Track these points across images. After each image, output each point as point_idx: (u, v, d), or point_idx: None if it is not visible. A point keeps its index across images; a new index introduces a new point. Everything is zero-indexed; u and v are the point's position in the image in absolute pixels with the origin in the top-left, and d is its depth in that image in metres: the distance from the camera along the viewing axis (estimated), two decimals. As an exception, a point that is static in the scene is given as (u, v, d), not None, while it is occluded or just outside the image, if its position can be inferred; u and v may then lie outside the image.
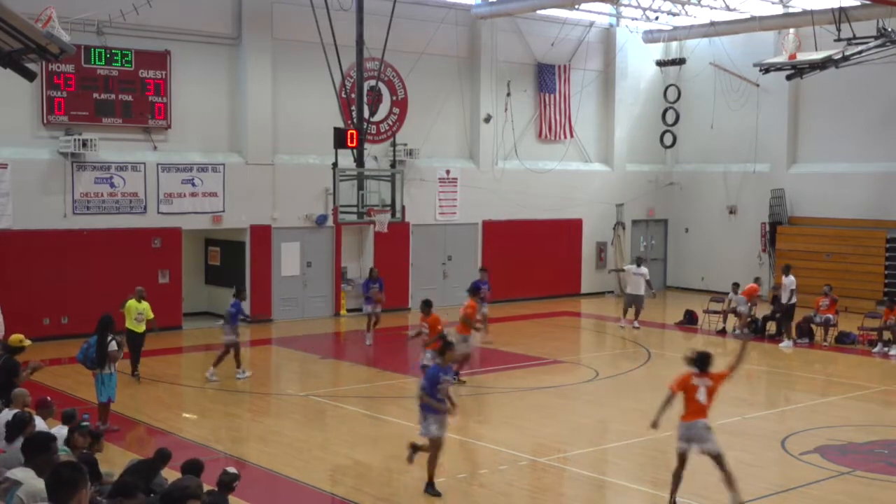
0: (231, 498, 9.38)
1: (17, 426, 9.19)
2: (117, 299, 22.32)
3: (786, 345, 22.91)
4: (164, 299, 23.57)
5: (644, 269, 25.66)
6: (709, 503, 11.94)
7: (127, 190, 23.13)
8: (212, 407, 16.77)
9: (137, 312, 18.12)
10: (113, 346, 14.48)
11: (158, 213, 23.60)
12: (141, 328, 18.23)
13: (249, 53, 24.74)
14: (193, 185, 24.10)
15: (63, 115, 22.21)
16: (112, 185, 22.91)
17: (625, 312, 25.45)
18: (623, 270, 26.53)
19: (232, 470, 9.57)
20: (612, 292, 31.95)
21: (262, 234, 25.23)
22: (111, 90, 22.80)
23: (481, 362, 22.17)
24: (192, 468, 9.13)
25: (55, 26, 15.11)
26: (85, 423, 10.11)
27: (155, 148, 23.69)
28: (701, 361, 11.55)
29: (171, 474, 10.13)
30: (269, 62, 25.05)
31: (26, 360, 13.54)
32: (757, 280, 25.37)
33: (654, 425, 11.46)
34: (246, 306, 20.63)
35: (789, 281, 23.43)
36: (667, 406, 11.37)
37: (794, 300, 23.39)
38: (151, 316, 18.42)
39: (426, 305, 17.84)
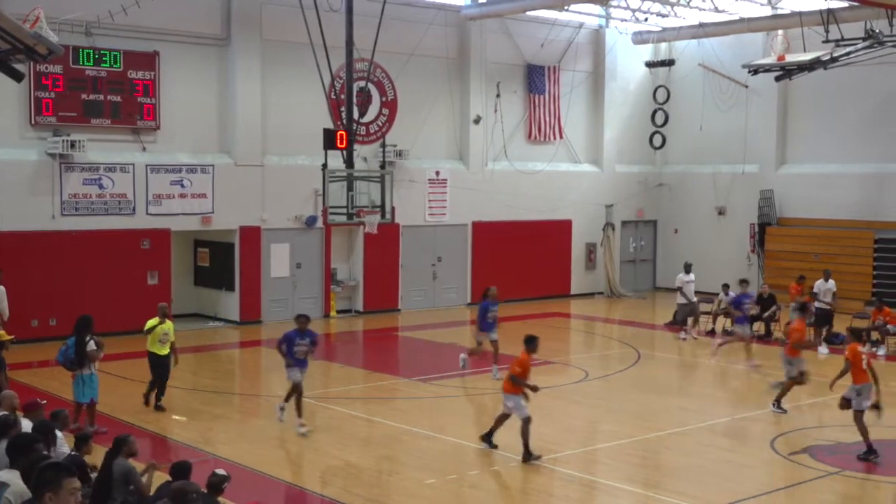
0: (220, 499, 9.36)
1: (2, 428, 9.15)
2: (106, 301, 22.39)
3: (822, 350, 22.23)
4: (153, 301, 23.46)
5: (693, 276, 24.46)
6: (699, 503, 11.94)
7: (116, 191, 23.06)
8: (201, 409, 16.71)
9: (163, 333, 16.11)
10: (92, 345, 14.38)
11: (147, 214, 23.53)
12: (165, 350, 16.16)
13: (239, 54, 24.70)
14: (182, 186, 24.03)
15: (51, 115, 22.14)
16: (101, 187, 22.83)
17: (684, 323, 24.30)
18: (678, 287, 24.59)
19: (221, 471, 9.54)
20: (601, 293, 31.99)
21: (251, 236, 25.17)
22: (100, 91, 22.73)
23: (472, 364, 22.20)
24: (181, 470, 9.12)
25: (43, 27, 15.07)
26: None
27: (144, 149, 23.62)
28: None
29: (158, 476, 10.10)
30: (259, 63, 25.01)
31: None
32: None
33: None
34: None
35: (831, 285, 23.13)
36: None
37: (832, 304, 22.90)
38: (174, 338, 16.41)
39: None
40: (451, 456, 14.01)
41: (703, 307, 25.70)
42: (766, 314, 24.14)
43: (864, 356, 13.80)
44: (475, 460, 13.64)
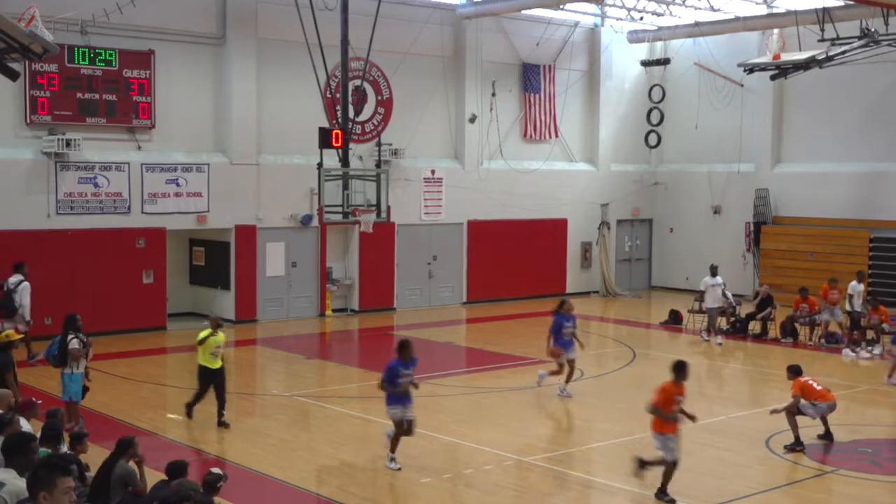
0: (216, 498, 9.36)
1: None
2: (101, 300, 22.37)
3: (848, 353, 21.96)
4: (148, 300, 23.55)
5: (720, 279, 23.96)
6: (695, 502, 11.95)
7: (111, 190, 23.03)
8: (197, 407, 16.65)
9: (216, 346, 15.14)
10: (74, 343, 14.27)
11: (143, 213, 23.52)
12: (217, 364, 15.22)
13: (234, 53, 24.68)
14: (178, 185, 24.02)
15: (46, 114, 22.10)
16: (96, 185, 22.81)
17: (709, 329, 23.78)
18: (702, 290, 24.14)
19: (217, 470, 9.55)
20: (597, 292, 32.01)
21: (246, 235, 25.16)
22: (95, 90, 22.70)
23: (467, 363, 22.20)
24: (177, 469, 9.13)
25: (38, 26, 15.05)
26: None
27: (139, 148, 23.60)
28: None
29: (154, 475, 10.10)
30: (254, 62, 24.99)
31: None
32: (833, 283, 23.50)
33: None
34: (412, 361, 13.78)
35: (861, 287, 22.68)
36: None
37: (860, 308, 22.41)
38: (223, 350, 15.47)
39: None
40: (447, 455, 14.02)
41: (698, 306, 25.69)
42: (761, 315, 24.14)
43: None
44: (470, 459, 13.64)
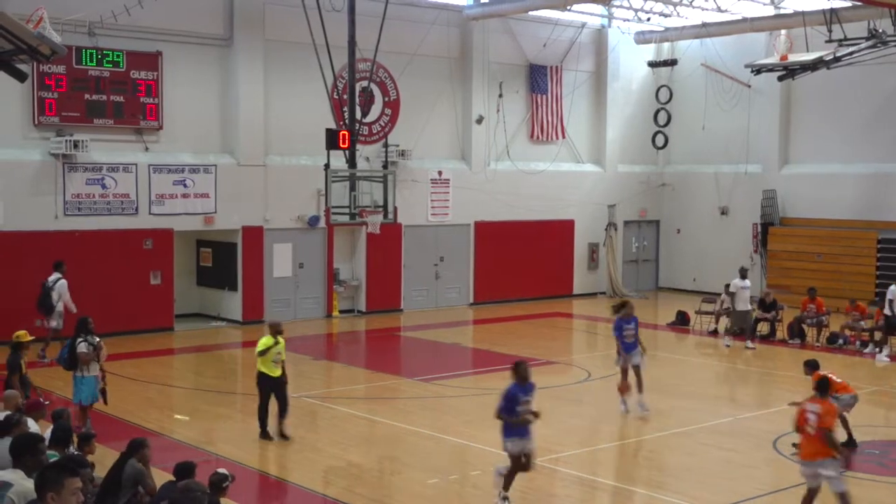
0: (222, 499, 9.37)
1: (5, 427, 9.19)
2: (109, 301, 22.41)
3: (882, 358, 21.43)
4: (155, 301, 23.59)
5: (749, 282, 23.41)
6: (701, 503, 11.94)
7: (118, 191, 23.08)
8: (203, 408, 16.73)
9: (277, 353, 14.43)
10: (82, 347, 14.26)
11: (150, 214, 23.56)
12: (278, 371, 14.46)
13: (241, 54, 24.71)
14: (185, 186, 24.06)
15: (54, 115, 22.16)
16: (103, 187, 22.86)
17: (737, 332, 23.20)
18: (731, 293, 23.50)
19: (223, 471, 9.57)
20: (604, 293, 31.99)
21: (254, 235, 25.19)
22: (102, 91, 22.75)
23: (474, 364, 22.21)
24: (184, 470, 9.15)
25: (46, 27, 15.08)
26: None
27: (146, 149, 23.65)
28: None
29: (162, 476, 10.12)
30: (261, 63, 25.02)
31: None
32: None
33: None
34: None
35: None
36: None
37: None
38: (284, 357, 14.74)
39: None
40: (454, 456, 14.02)
41: (705, 307, 25.71)
42: (767, 316, 24.07)
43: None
44: (477, 460, 13.64)
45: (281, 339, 14.42)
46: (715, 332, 24.69)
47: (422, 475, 12.81)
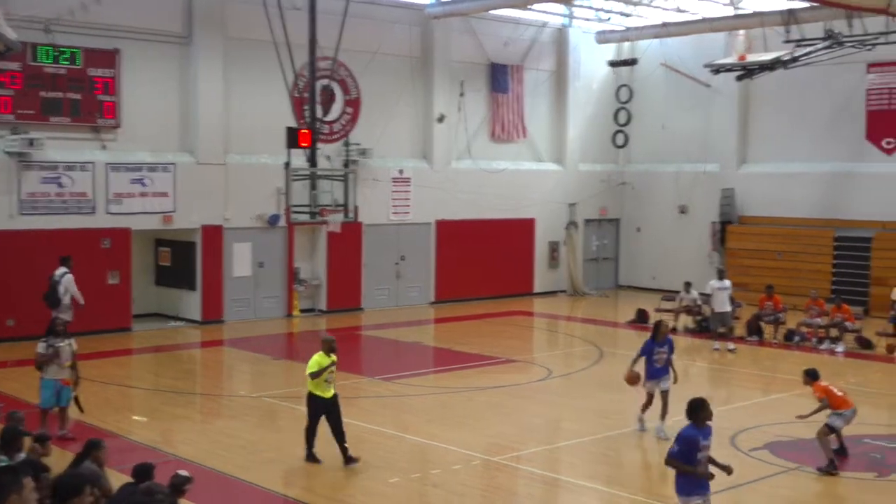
0: (182, 501, 9.29)
1: None
2: (66, 301, 22.13)
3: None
4: (113, 301, 23.33)
5: (727, 282, 22.91)
6: (661, 500, 12.01)
7: (75, 190, 22.81)
8: (162, 409, 16.58)
9: (329, 372, 13.20)
10: (39, 348, 14.12)
11: (107, 213, 23.30)
12: (330, 392, 13.20)
13: (200, 52, 24.51)
14: (143, 184, 23.83)
15: (9, 113, 21.84)
16: (60, 185, 22.58)
17: (716, 335, 22.61)
18: (708, 294, 23.22)
19: (183, 472, 9.48)
20: (564, 291, 32.11)
21: (213, 235, 25.00)
22: (59, 89, 22.47)
23: (435, 362, 22.21)
24: (143, 472, 9.06)
25: (1, 23, 14.91)
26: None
27: (104, 147, 23.40)
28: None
29: (120, 478, 10.02)
30: (221, 61, 24.84)
31: None
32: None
33: None
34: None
35: None
36: None
37: None
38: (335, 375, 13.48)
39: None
40: (415, 455, 14.01)
41: (665, 304, 25.88)
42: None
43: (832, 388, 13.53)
44: (438, 459, 13.63)
45: (334, 357, 13.22)
46: (674, 330, 24.83)
47: (383, 474, 12.78)
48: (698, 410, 9.59)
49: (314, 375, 12.96)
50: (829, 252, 28.54)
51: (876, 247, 27.57)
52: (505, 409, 16.80)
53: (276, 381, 19.19)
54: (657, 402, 14.80)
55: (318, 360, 13.01)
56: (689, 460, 9.35)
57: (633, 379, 14.88)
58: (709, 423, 9.64)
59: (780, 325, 23.67)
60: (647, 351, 14.85)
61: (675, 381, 14.91)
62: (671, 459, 9.47)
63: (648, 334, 15.35)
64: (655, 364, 14.80)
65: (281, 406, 16.78)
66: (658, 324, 15.23)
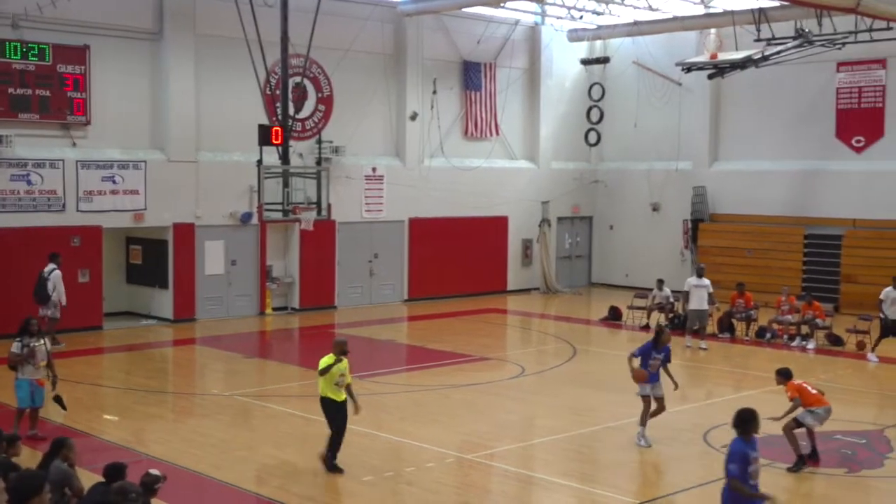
0: (154, 500, 9.22)
1: None
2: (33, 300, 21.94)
3: (872, 359, 21.02)
4: (83, 299, 23.13)
5: (706, 281, 22.71)
6: (634, 496, 12.06)
7: (45, 188, 22.60)
8: (134, 408, 16.47)
9: (340, 374, 12.82)
10: (14, 348, 13.98)
11: (78, 211, 23.12)
12: (342, 396, 12.84)
13: (171, 49, 24.35)
14: (114, 182, 23.65)
15: (-23, 110, 21.64)
16: (29, 183, 22.37)
17: (689, 331, 22.66)
18: (685, 291, 23.01)
19: (155, 471, 9.41)
20: (537, 289, 32.17)
21: (185, 233, 24.86)
22: (28, 85, 22.25)
23: (408, 360, 22.18)
24: (115, 471, 8.99)
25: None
26: None
27: (74, 144, 23.20)
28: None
29: (92, 477, 9.93)
30: (192, 58, 24.69)
31: None
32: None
33: None
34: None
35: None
36: None
37: None
38: (350, 380, 13.07)
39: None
40: (388, 453, 13.97)
41: (637, 302, 25.99)
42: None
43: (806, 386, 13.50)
44: (412, 457, 13.62)
45: (344, 360, 12.82)
46: (647, 327, 24.97)
47: (356, 472, 12.74)
48: (749, 423, 9.23)
49: (322, 373, 12.67)
50: (799, 250, 28.77)
51: (846, 244, 27.82)
52: (478, 406, 16.81)
53: (249, 380, 19.12)
54: (639, 405, 14.55)
55: (326, 359, 12.71)
56: (744, 478, 9.04)
57: (642, 376, 14.36)
58: (755, 437, 9.27)
59: (751, 322, 23.82)
60: (644, 353, 14.42)
61: (676, 387, 14.66)
62: (734, 482, 9.00)
63: (649, 336, 15.06)
64: (649, 369, 14.40)
65: (254, 404, 16.71)
66: (661, 331, 14.72)
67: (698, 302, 22.44)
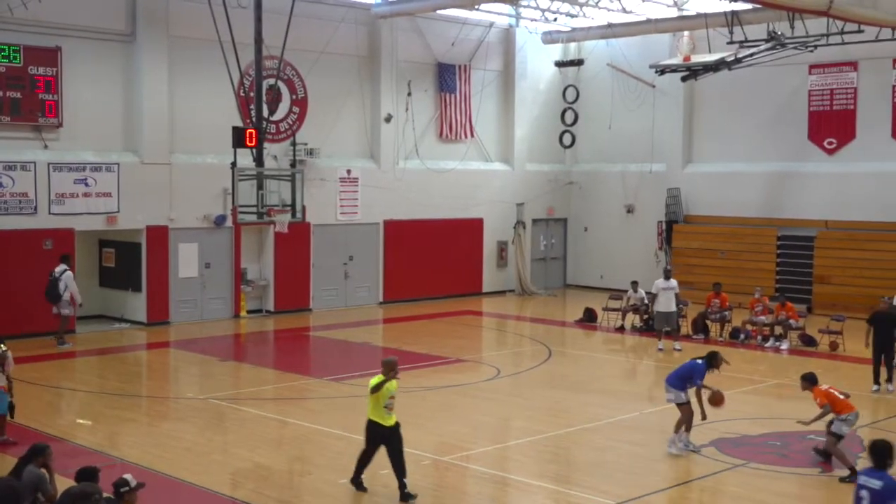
0: (127, 505, 9.14)
1: None
2: (7, 303, 21.76)
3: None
4: (56, 302, 22.94)
5: (674, 282, 22.66)
6: (610, 497, 12.08)
7: (16, 190, 22.39)
8: (107, 412, 16.34)
9: (390, 395, 12.01)
10: None
11: (50, 213, 22.92)
12: (391, 420, 12.01)
13: (144, 51, 24.20)
14: (87, 184, 23.47)
15: (-52, 112, 21.42)
16: (0, 186, 22.17)
17: (660, 335, 22.55)
18: (653, 294, 22.85)
19: (128, 477, 9.33)
20: (512, 291, 32.21)
21: (158, 235, 24.70)
22: (-1, 87, 22.08)
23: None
24: (87, 475, 8.92)
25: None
26: None
27: (46, 147, 23.01)
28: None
29: (65, 482, 9.85)
30: (165, 60, 24.54)
31: None
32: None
33: None
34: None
35: None
36: None
37: None
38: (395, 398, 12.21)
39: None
40: (364, 455, 13.91)
41: (612, 303, 26.06)
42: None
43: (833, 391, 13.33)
44: (386, 460, 13.56)
45: (395, 380, 12.04)
46: (622, 329, 25.06)
47: (331, 475, 12.71)
48: (886, 456, 8.55)
49: (374, 390, 11.88)
50: (772, 251, 28.95)
51: (818, 245, 28.01)
52: (454, 408, 16.80)
53: (223, 383, 19.03)
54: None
55: (377, 380, 11.93)
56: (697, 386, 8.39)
57: (721, 399, 14.11)
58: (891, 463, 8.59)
59: (726, 323, 23.94)
60: (702, 375, 14.09)
61: (704, 419, 14.24)
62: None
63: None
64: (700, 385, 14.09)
65: (228, 408, 16.62)
66: (715, 353, 14.45)
67: (666, 304, 22.38)
